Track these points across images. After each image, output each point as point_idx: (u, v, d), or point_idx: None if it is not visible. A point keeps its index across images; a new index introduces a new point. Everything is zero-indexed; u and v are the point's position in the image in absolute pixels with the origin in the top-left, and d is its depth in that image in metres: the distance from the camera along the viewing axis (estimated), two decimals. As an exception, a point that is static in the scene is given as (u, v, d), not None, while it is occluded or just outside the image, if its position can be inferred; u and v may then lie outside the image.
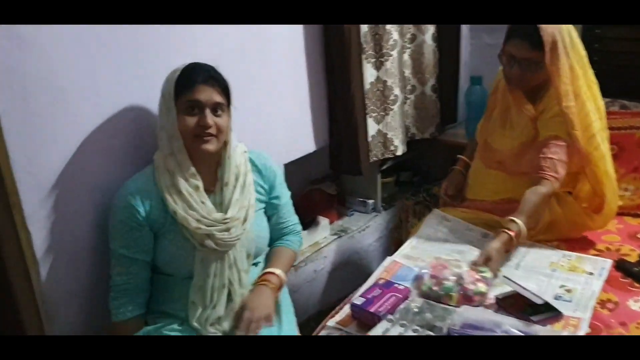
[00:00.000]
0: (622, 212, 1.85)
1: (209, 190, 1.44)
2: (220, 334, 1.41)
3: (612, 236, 1.78)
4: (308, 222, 2.23)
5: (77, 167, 1.40)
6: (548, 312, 1.37)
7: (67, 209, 1.40)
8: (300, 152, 2.13)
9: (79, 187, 1.42)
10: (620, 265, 1.59)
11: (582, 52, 1.70)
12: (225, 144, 1.44)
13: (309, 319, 2.08)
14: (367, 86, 2.19)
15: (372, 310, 1.39)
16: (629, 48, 2.32)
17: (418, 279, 1.52)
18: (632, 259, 1.63)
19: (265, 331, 1.41)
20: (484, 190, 1.86)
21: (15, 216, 1.28)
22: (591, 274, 1.54)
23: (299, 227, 1.69)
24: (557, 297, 1.45)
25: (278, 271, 1.53)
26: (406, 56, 2.38)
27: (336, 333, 1.41)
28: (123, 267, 1.41)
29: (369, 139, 2.25)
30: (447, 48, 2.54)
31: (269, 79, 1.91)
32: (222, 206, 1.44)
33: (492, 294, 1.46)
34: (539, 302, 1.38)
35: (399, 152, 2.37)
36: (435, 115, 2.54)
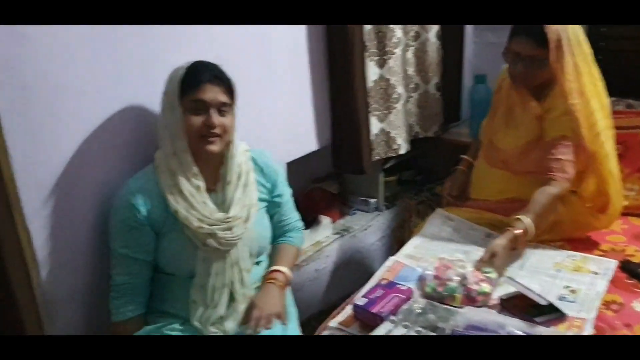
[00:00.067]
0: (627, 213, 1.84)
1: (210, 190, 1.43)
2: (221, 334, 1.41)
3: (617, 237, 1.77)
4: (310, 221, 2.23)
5: (78, 165, 1.39)
6: (552, 313, 1.36)
7: (68, 208, 1.39)
8: (302, 150, 2.12)
9: (79, 186, 1.41)
10: (625, 266, 1.58)
11: (588, 49, 1.69)
12: (229, 143, 1.43)
13: (311, 318, 2.07)
14: (369, 84, 2.18)
15: (374, 311, 1.38)
16: (635, 47, 2.31)
17: (421, 279, 1.52)
18: (637, 259, 1.62)
19: (269, 330, 1.41)
20: (488, 190, 1.85)
21: (15, 215, 1.27)
22: (596, 273, 1.53)
23: (300, 223, 1.69)
24: (561, 298, 1.44)
25: (284, 268, 1.54)
26: (410, 54, 2.37)
27: (338, 334, 1.40)
28: (123, 267, 1.40)
29: (372, 137, 2.24)
30: (451, 46, 2.53)
31: (271, 77, 1.90)
32: (224, 205, 1.43)
33: (496, 295, 1.45)
34: (543, 303, 1.37)
35: (402, 151, 2.36)
36: (438, 114, 2.53)
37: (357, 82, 2.10)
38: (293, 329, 1.53)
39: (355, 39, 2.05)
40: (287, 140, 2.02)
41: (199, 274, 1.41)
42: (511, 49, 1.67)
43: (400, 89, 2.26)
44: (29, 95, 1.27)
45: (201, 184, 1.40)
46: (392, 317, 1.36)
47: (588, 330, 1.32)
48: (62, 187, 1.37)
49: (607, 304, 1.43)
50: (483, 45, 2.71)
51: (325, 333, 1.41)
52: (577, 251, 1.66)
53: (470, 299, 1.42)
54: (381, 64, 2.20)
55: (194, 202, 1.38)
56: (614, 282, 1.51)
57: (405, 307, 1.39)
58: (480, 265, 1.51)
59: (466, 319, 1.31)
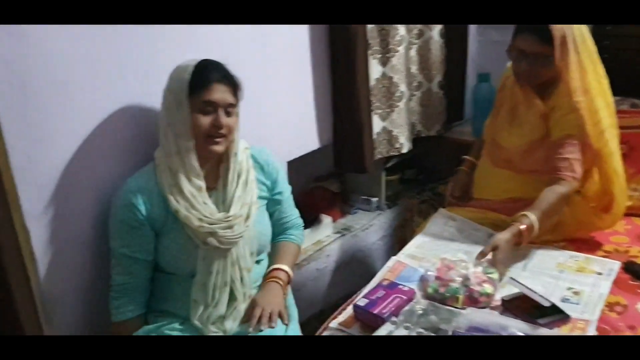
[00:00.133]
0: (630, 213, 1.83)
1: (210, 188, 1.43)
2: (221, 334, 1.40)
3: (621, 237, 1.76)
4: (311, 220, 2.22)
5: (77, 164, 1.39)
6: (555, 314, 1.35)
7: (67, 207, 1.38)
8: (304, 149, 2.11)
9: (78, 184, 1.40)
10: (629, 267, 1.56)
11: (592, 47, 1.68)
12: (231, 142, 1.43)
13: (311, 318, 2.06)
14: (372, 82, 2.17)
15: (375, 312, 1.37)
16: (640, 45, 2.29)
17: (423, 280, 1.51)
18: (641, 260, 1.61)
19: (269, 330, 1.40)
20: (491, 189, 1.84)
21: (13, 214, 1.26)
22: (600, 274, 1.52)
23: (300, 220, 1.69)
24: (564, 300, 1.43)
25: (285, 267, 1.54)
26: (413, 52, 2.35)
27: (339, 334, 1.39)
28: (123, 267, 1.39)
29: (374, 136, 2.23)
30: (455, 44, 2.52)
31: (272, 75, 1.89)
32: (224, 204, 1.42)
33: (498, 296, 1.44)
34: (546, 304, 1.35)
35: (404, 150, 2.35)
36: (441, 113, 2.52)
37: (359, 80, 2.09)
38: (293, 329, 1.52)
39: (359, 36, 2.04)
40: (288, 138, 2.01)
41: (199, 273, 1.40)
42: (516, 46, 1.66)
43: (403, 87, 2.25)
44: (28, 93, 1.27)
45: (202, 184, 1.39)
46: (394, 318, 1.35)
47: (591, 332, 1.31)
48: (61, 185, 1.36)
49: (610, 306, 1.42)
50: (487, 43, 2.70)
51: (326, 334, 1.40)
52: (580, 252, 1.65)
53: (473, 300, 1.41)
54: (384, 62, 2.19)
55: (194, 202, 1.37)
56: (618, 284, 1.50)
57: (406, 308, 1.38)
58: (481, 257, 1.49)
59: (468, 320, 1.30)
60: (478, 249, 1.62)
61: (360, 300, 1.43)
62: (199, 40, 1.59)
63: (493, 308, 1.41)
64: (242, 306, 1.45)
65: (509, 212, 1.66)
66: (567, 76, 1.62)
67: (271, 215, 1.59)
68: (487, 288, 1.42)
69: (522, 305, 1.38)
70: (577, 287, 1.47)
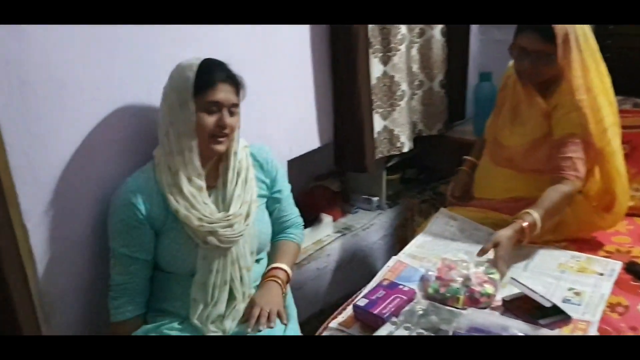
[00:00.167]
0: (632, 213, 1.82)
1: (210, 187, 1.42)
2: (220, 333, 1.40)
3: (622, 237, 1.75)
4: (311, 220, 2.21)
5: (76, 163, 1.38)
6: (556, 315, 1.34)
7: (65, 206, 1.38)
8: (304, 148, 2.11)
9: (77, 183, 1.40)
10: (631, 268, 1.56)
11: (595, 45, 1.68)
12: (232, 141, 1.42)
13: (311, 317, 2.06)
14: (373, 81, 2.16)
15: (375, 312, 1.36)
16: (642, 44, 2.29)
17: (424, 280, 1.50)
18: (643, 261, 1.60)
19: (269, 330, 1.40)
20: (492, 189, 1.83)
21: (11, 213, 1.26)
22: (601, 274, 1.51)
23: (300, 219, 1.69)
24: (565, 300, 1.42)
25: (284, 266, 1.54)
26: (414, 51, 2.35)
27: (339, 334, 1.38)
28: (123, 267, 1.39)
29: (375, 135, 2.23)
30: (456, 43, 2.52)
31: (274, 74, 1.89)
32: (224, 202, 1.42)
33: (499, 296, 1.43)
34: (547, 304, 1.35)
35: (406, 149, 2.35)
36: (443, 112, 2.51)
37: (360, 78, 2.08)
38: (292, 328, 1.51)
39: (360, 35, 2.03)
40: (289, 137, 2.01)
41: (199, 272, 1.40)
42: (518, 44, 1.65)
43: (404, 86, 2.25)
44: (26, 92, 1.26)
45: (203, 184, 1.39)
46: (394, 319, 1.34)
47: (592, 333, 1.30)
48: (60, 184, 1.36)
49: (612, 307, 1.41)
50: (488, 42, 2.70)
51: (326, 334, 1.40)
52: (581, 252, 1.64)
53: (474, 301, 1.40)
54: (385, 60, 2.18)
55: (194, 202, 1.37)
56: (619, 284, 1.49)
57: (407, 308, 1.37)
58: (482, 254, 1.49)
59: (469, 320, 1.30)
60: (479, 248, 1.61)
61: (360, 300, 1.42)
62: (199, 40, 1.59)
63: (494, 308, 1.41)
64: (241, 305, 1.44)
65: (511, 212, 1.65)
66: (570, 74, 1.61)
67: (271, 214, 1.59)
68: (488, 288, 1.42)
69: (523, 306, 1.38)
70: (579, 288, 1.46)
